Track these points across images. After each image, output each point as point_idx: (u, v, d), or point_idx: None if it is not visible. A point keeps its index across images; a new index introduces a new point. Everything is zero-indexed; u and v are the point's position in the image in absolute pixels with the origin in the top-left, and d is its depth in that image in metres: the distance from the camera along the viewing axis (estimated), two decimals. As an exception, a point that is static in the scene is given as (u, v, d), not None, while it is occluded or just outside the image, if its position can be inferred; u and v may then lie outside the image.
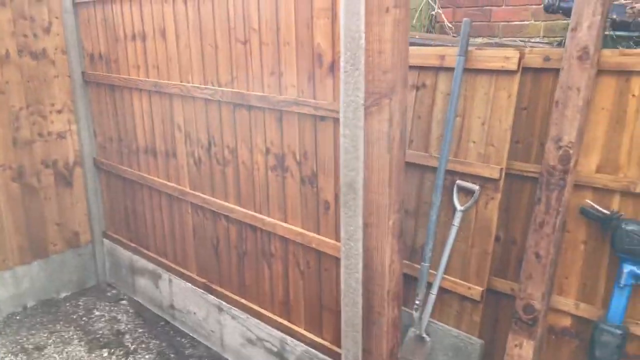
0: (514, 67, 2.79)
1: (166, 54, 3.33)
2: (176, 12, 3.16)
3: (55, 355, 3.50)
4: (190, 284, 3.66)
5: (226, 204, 3.21)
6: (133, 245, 4.16)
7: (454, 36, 3.96)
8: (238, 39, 2.83)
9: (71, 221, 4.30)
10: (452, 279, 3.10)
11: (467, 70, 2.98)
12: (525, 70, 2.82)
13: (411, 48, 3.12)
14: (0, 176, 3.82)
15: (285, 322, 3.06)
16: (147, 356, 3.48)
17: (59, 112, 4.08)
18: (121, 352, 3.52)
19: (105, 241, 4.45)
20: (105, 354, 3.50)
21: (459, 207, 3.03)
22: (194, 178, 3.41)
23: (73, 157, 4.22)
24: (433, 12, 4.29)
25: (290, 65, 2.61)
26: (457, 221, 3.04)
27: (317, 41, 2.45)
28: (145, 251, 4.04)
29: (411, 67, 3.09)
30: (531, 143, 2.86)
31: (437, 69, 3.10)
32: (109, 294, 4.37)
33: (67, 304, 4.16)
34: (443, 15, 4.11)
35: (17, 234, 3.97)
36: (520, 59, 2.78)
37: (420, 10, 4.25)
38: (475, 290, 3.00)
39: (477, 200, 2.99)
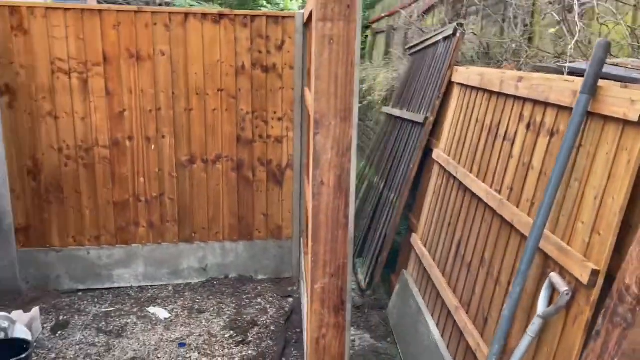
0: (634, 116, 1.71)
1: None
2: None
3: (203, 321, 4.11)
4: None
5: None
6: (306, 250, 4.40)
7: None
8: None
9: (276, 215, 4.86)
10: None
11: (593, 115, 1.98)
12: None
13: (551, 78, 2.39)
14: (224, 165, 4.67)
15: None
16: (251, 352, 3.69)
17: (280, 119, 4.66)
18: (239, 339, 3.84)
19: (302, 241, 4.83)
20: (227, 336, 3.89)
21: (539, 309, 2.06)
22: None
23: (286, 160, 4.75)
24: None
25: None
26: (532, 330, 2.07)
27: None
28: (307, 258, 4.22)
29: (552, 105, 2.31)
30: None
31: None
32: (289, 289, 4.75)
33: (252, 285, 4.75)
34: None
35: (230, 215, 4.78)
36: (651, 103, 1.68)
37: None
38: None
39: (567, 310, 1.96)
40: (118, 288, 4.64)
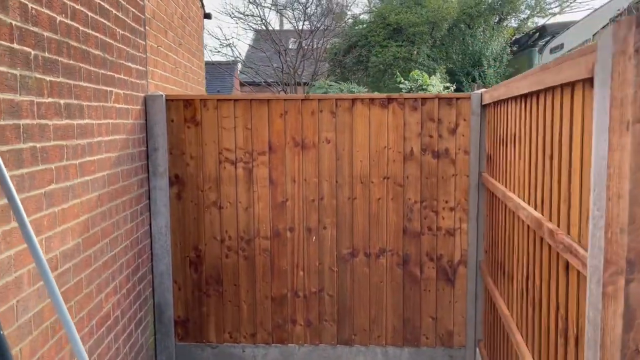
0: None
1: (513, 162, 2.88)
2: (521, 114, 2.70)
3: None
4: None
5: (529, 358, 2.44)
6: (488, 367, 3.70)
7: None
8: (547, 152, 2.16)
9: (447, 319, 4.23)
10: None
11: None
12: None
13: None
14: (388, 260, 4.21)
15: None
16: None
17: (452, 209, 4.14)
18: None
19: (477, 351, 4.13)
20: None
21: None
22: (518, 313, 2.75)
23: (459, 255, 4.17)
24: None
25: (575, 194, 1.79)
26: None
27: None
28: (492, 379, 3.51)
29: None
30: None
31: None
32: (464, 409, 4.02)
33: (420, 401, 4.10)
34: None
35: (394, 316, 4.25)
36: None
37: None
38: None
39: None
40: (272, 392, 4.26)
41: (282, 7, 18.21)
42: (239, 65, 19.33)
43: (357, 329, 4.27)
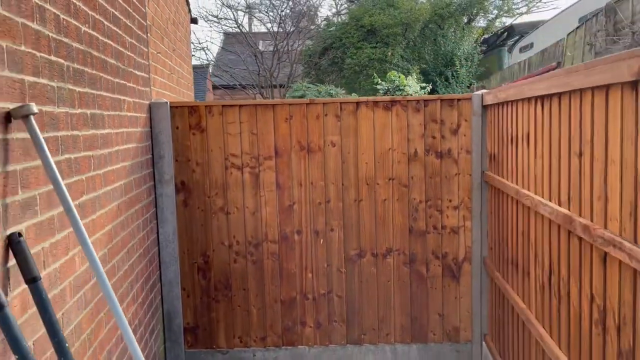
0: None
1: (527, 160, 2.99)
2: (536, 116, 2.81)
3: None
4: None
5: (556, 349, 2.54)
6: (499, 359, 3.81)
7: None
8: (575, 150, 2.27)
9: (453, 315, 4.34)
10: None
11: None
12: None
13: None
14: (395, 259, 4.29)
15: None
16: None
17: (455, 208, 4.25)
18: None
19: (484, 345, 4.25)
20: None
21: None
22: (539, 306, 2.86)
23: (463, 252, 4.29)
24: None
25: (614, 191, 1.90)
26: None
27: (641, 162, 1.70)
28: (505, 371, 3.63)
29: None
30: None
31: None
32: (474, 401, 4.13)
33: (431, 396, 4.19)
34: None
35: (402, 314, 4.33)
36: None
37: None
38: None
39: None
40: (284, 395, 4.29)
41: (256, 10, 18.18)
42: (210, 69, 19.19)
43: (366, 328, 4.34)
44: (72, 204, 1.83)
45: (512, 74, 13.86)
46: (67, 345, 1.70)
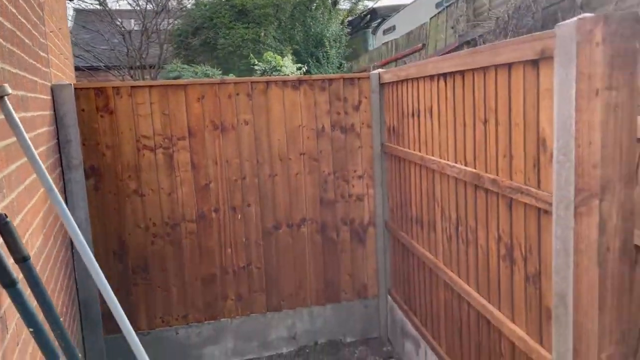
0: None
1: (431, 130, 3.44)
2: (439, 91, 3.26)
3: (318, 393, 3.94)
4: (439, 361, 3.58)
5: (466, 286, 3.05)
6: (405, 307, 4.32)
7: None
8: (480, 118, 2.72)
9: (361, 274, 4.79)
10: None
11: None
12: None
13: None
14: (309, 228, 4.61)
15: None
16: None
17: (360, 177, 4.66)
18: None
19: (389, 298, 4.76)
20: (354, 407, 3.74)
21: None
22: (446, 254, 3.36)
23: (368, 217, 4.73)
24: None
25: (518, 149, 2.37)
26: None
27: (542, 125, 2.16)
28: (412, 316, 4.15)
29: None
30: None
31: None
32: (384, 349, 4.63)
33: (347, 349, 4.62)
34: None
35: (316, 278, 4.68)
36: None
37: None
38: None
39: None
40: (211, 367, 4.43)
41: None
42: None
43: (285, 295, 4.62)
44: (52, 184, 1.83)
45: (380, 55, 14.81)
46: (61, 320, 1.74)
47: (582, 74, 1.73)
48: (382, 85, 4.50)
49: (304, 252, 4.61)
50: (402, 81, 3.97)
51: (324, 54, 17.96)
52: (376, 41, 19.77)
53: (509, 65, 2.38)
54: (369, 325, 4.85)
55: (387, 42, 14.26)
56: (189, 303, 4.40)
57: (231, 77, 4.46)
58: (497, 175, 2.57)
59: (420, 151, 3.69)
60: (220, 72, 16.12)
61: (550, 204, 2.07)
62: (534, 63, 2.16)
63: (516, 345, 2.50)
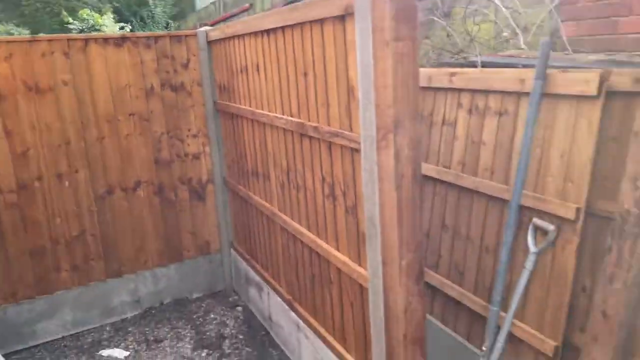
0: (593, 91, 2.39)
1: (259, 85, 3.62)
2: (263, 47, 3.43)
3: (167, 349, 4.03)
4: (280, 299, 3.89)
5: (299, 227, 3.35)
6: (247, 257, 4.56)
7: (566, 54, 3.49)
8: (300, 71, 2.96)
9: (203, 231, 4.89)
10: (527, 328, 2.76)
11: (547, 95, 2.65)
12: (614, 94, 2.39)
13: (494, 71, 2.92)
14: (145, 190, 4.55)
15: (341, 349, 3.07)
16: (239, 361, 3.80)
17: (195, 136, 4.70)
18: (217, 355, 3.90)
19: (232, 251, 4.95)
20: (204, 354, 3.91)
21: (532, 248, 2.69)
22: (281, 201, 3.62)
23: (206, 175, 4.81)
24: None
25: (334, 97, 2.65)
26: (529, 264, 2.70)
27: (351, 74, 2.45)
28: (255, 263, 4.40)
29: (494, 92, 2.90)
30: (620, 180, 2.40)
31: (519, 94, 2.81)
32: (230, 299, 4.84)
33: (194, 305, 4.74)
34: (562, 30, 3.64)
35: (157, 240, 4.67)
36: (601, 82, 2.37)
37: (542, 25, 3.84)
38: (549, 345, 2.62)
39: (554, 243, 2.61)
40: (49, 342, 4.22)
41: None
42: None
43: (125, 260, 4.54)
44: None
45: (208, 15, 14.48)
46: None
47: (376, 27, 2.02)
48: (210, 42, 4.53)
49: (142, 214, 4.56)
50: (229, 38, 4.05)
51: (149, 12, 17.02)
52: (202, 1, 19.19)
53: (322, 21, 2.62)
54: (214, 279, 5.01)
55: (215, 1, 13.98)
56: (16, 280, 4.11)
57: (44, 35, 4.12)
58: (318, 122, 2.85)
59: (250, 106, 3.85)
60: (28, 31, 14.41)
61: (359, 143, 2.40)
62: (342, 18, 2.43)
63: (341, 270, 2.87)
